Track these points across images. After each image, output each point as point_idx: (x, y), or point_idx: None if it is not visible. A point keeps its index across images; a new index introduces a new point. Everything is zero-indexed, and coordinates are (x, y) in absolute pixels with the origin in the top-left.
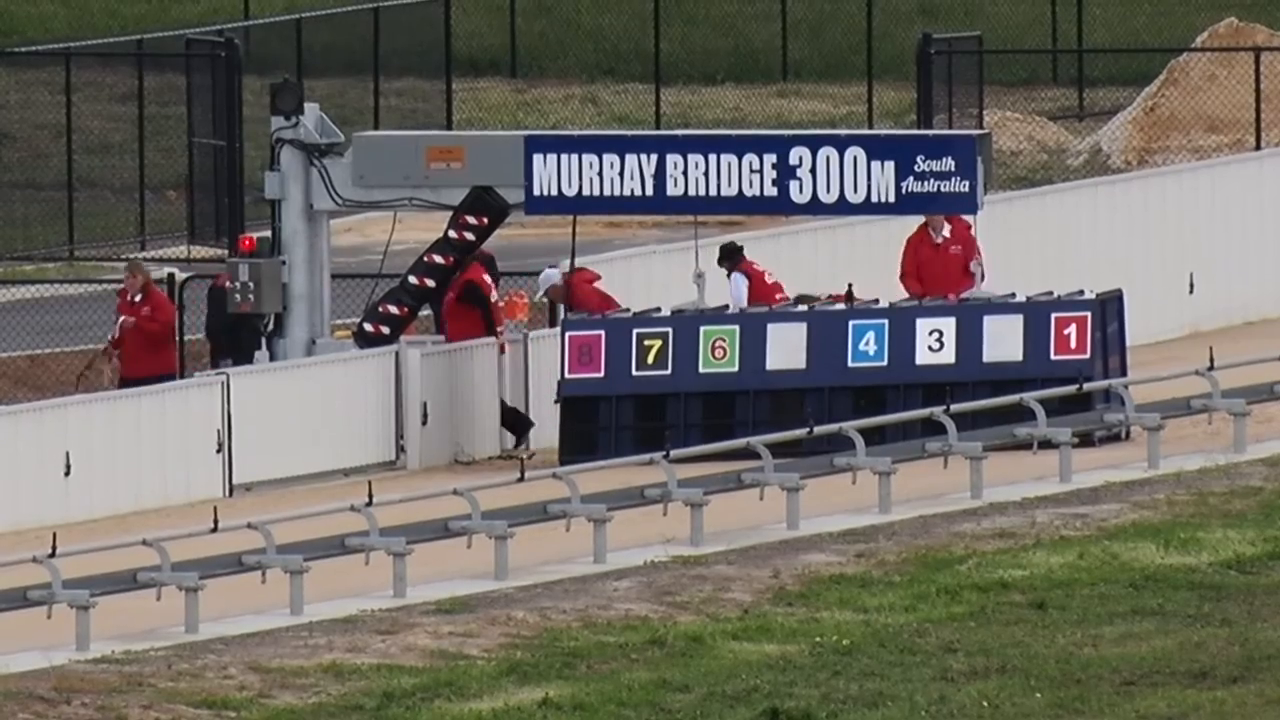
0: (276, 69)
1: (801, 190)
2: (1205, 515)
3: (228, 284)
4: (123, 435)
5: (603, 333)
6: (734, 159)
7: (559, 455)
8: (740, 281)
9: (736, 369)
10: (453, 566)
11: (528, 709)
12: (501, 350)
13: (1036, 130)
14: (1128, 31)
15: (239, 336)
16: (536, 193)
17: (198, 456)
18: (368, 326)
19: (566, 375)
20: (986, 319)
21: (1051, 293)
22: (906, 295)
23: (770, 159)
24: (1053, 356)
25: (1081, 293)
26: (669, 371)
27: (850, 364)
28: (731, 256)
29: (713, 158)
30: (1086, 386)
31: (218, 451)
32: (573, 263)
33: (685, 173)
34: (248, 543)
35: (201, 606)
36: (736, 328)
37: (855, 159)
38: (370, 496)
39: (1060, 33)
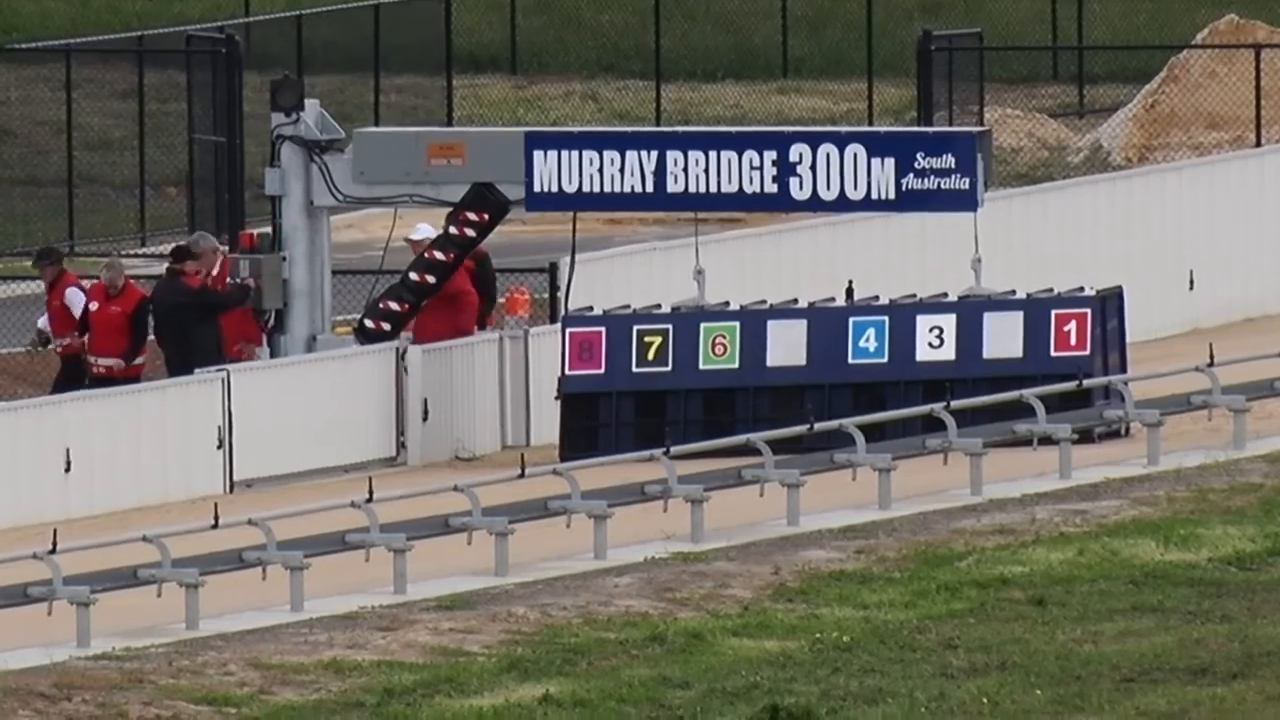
0: (277, 65)
1: (801, 187)
2: (1205, 512)
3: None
4: (123, 431)
5: (603, 329)
6: (734, 156)
7: (559, 452)
8: (78, 296)
9: (737, 365)
10: (453, 563)
11: (528, 705)
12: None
13: (1037, 127)
14: (1128, 28)
15: (185, 341)
16: (537, 189)
17: (198, 453)
18: (369, 323)
19: (567, 371)
20: (987, 316)
21: (1052, 289)
22: None
23: (770, 156)
24: (1053, 353)
25: (1082, 289)
26: (669, 368)
27: (850, 361)
28: (48, 259)
29: (713, 154)
30: (1086, 383)
31: (218, 448)
32: (573, 261)
33: (685, 169)
34: (248, 539)
35: (202, 603)
36: (737, 324)
37: (855, 156)
38: (371, 493)
39: (1061, 29)
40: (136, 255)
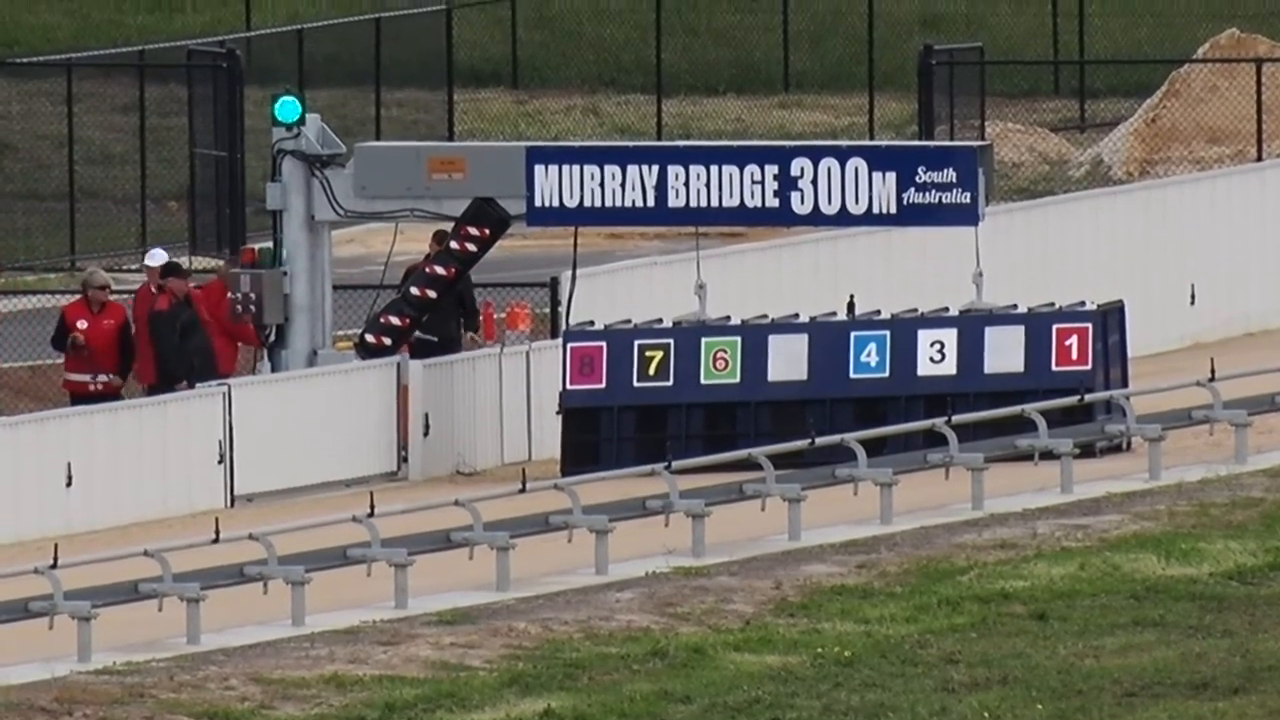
0: (278, 80)
1: (803, 201)
2: (1206, 526)
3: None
4: (124, 446)
5: (604, 344)
6: (735, 170)
7: (561, 466)
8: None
9: (738, 380)
10: (454, 578)
11: None
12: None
13: (1038, 141)
14: (1129, 42)
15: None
16: (538, 204)
17: (199, 467)
18: (369, 338)
19: (568, 386)
20: (988, 330)
21: (1053, 304)
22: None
23: (772, 170)
24: (1054, 368)
25: (1083, 304)
26: (670, 383)
27: (852, 375)
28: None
29: (714, 169)
30: (1088, 397)
31: (219, 462)
32: (574, 276)
33: (687, 184)
34: (249, 554)
35: (203, 617)
36: (738, 339)
37: (857, 170)
38: (372, 508)
39: (1062, 44)
40: (137, 270)
